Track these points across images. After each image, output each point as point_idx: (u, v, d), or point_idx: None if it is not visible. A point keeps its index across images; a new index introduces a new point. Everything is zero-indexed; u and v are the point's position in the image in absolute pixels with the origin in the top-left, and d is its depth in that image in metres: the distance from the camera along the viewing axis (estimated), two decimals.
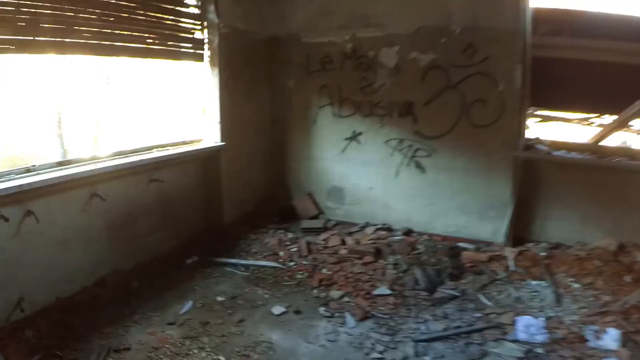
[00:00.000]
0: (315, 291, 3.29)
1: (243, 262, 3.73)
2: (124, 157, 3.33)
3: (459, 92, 4.02)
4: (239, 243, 4.11)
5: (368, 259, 3.74)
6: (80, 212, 3.01)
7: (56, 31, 2.78)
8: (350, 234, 4.40)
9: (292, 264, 3.75)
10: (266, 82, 4.88)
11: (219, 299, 3.16)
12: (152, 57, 3.71)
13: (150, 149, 3.65)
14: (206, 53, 4.10)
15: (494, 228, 4.06)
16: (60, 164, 2.93)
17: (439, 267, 3.59)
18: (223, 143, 4.20)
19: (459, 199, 4.20)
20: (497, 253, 3.80)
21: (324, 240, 4.22)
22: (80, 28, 2.95)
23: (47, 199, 2.76)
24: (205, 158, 4.21)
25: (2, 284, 2.56)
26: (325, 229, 4.53)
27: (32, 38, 2.63)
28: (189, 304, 3.04)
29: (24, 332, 2.49)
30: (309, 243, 4.09)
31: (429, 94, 4.15)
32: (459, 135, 4.10)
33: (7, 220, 2.49)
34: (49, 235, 2.80)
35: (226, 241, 4.12)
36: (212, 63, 4.12)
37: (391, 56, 4.27)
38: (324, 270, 3.60)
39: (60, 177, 2.73)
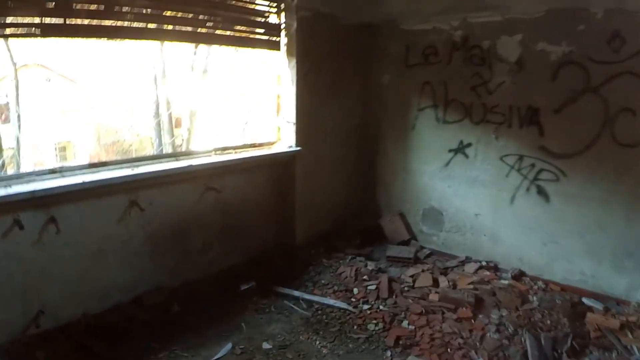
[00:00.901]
0: (389, 353, 3.31)
1: (307, 296, 4.04)
2: (175, 161, 4.08)
3: (601, 97, 3.92)
4: (307, 270, 4.55)
5: (464, 313, 3.80)
6: (118, 220, 3.53)
7: (93, 13, 3.08)
8: (445, 270, 4.62)
9: (366, 307, 3.92)
10: (355, 77, 5.39)
11: (265, 346, 3.32)
12: (216, 44, 4.43)
13: (209, 152, 4.41)
14: (283, 41, 4.72)
15: (630, 282, 3.95)
16: (93, 165, 3.48)
17: (556, 334, 3.47)
18: (298, 148, 4.83)
19: (589, 239, 4.15)
20: (633, 319, 3.68)
21: (411, 276, 4.48)
22: (123, 9, 3.27)
23: (77, 205, 3.24)
24: (276, 164, 4.87)
25: (21, 295, 3.02)
26: (415, 260, 4.83)
27: (62, 21, 3.01)
28: (227, 347, 3.28)
29: (36, 352, 2.85)
30: (391, 281, 4.35)
31: (561, 98, 4.14)
32: (598, 155, 4.02)
33: (21, 227, 2.93)
34: (78, 244, 3.28)
35: (293, 265, 4.61)
36: (288, 53, 4.68)
37: (512, 47, 4.35)
38: (405, 323, 3.70)
39: (90, 182, 3.20)
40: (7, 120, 26.03)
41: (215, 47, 13.53)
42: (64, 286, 3.28)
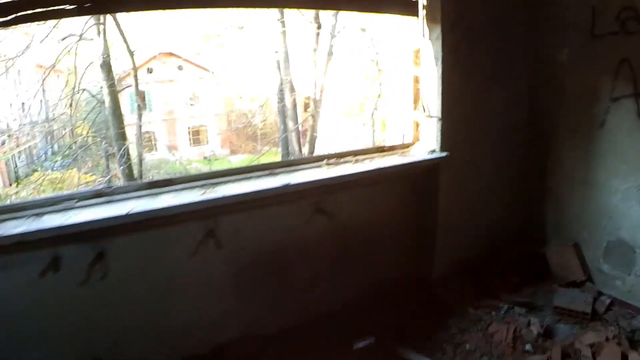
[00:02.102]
0: None
1: None
2: (270, 175, 3.19)
3: None
4: (447, 322, 3.48)
5: None
6: (191, 254, 2.92)
7: None
8: (633, 334, 3.25)
9: None
10: (521, 53, 4.00)
11: None
12: (338, 8, 3.48)
13: (319, 159, 3.43)
14: (422, 1, 3.53)
15: None
16: (153, 185, 2.89)
17: None
18: (444, 154, 3.63)
19: None
20: None
21: (590, 346, 3.14)
22: None
23: (132, 237, 2.72)
24: (412, 176, 3.76)
25: (71, 342, 2.68)
26: (593, 315, 3.48)
27: None
28: None
29: None
30: (566, 356, 3.07)
31: None
32: None
33: (56, 269, 2.47)
34: (136, 284, 2.81)
35: (427, 310, 3.61)
36: (430, 18, 3.51)
37: None
38: None
39: (143, 212, 2.53)
40: (145, 108, 28.05)
41: (340, 26, 13.14)
42: (122, 334, 2.80)
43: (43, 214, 2.51)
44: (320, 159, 3.47)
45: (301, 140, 14.65)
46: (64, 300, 2.59)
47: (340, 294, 3.60)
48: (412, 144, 3.82)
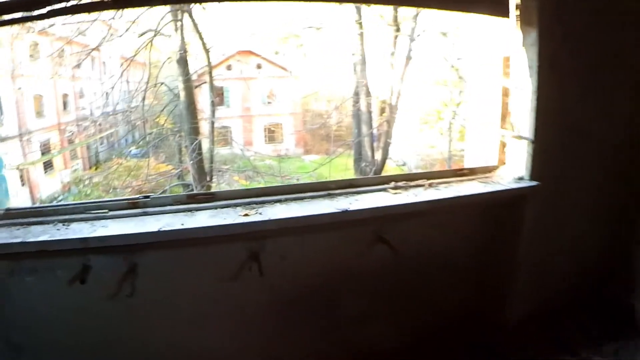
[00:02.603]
0: None
1: None
2: (328, 197, 2.74)
3: None
4: None
5: None
6: (230, 278, 2.57)
7: None
8: None
9: None
10: (629, 57, 3.23)
11: None
12: (418, 5, 2.98)
13: (386, 180, 2.94)
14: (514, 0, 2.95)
15: None
16: (192, 198, 2.56)
17: None
18: (534, 183, 3.01)
19: None
20: None
21: None
22: None
23: (167, 254, 2.44)
24: (492, 206, 3.16)
25: (88, 354, 2.49)
26: None
27: None
28: None
29: None
30: None
31: None
32: None
33: (82, 281, 2.21)
34: (168, 303, 2.54)
35: None
36: (523, 19, 2.92)
37: None
38: None
39: (182, 230, 2.25)
40: (221, 104, 28.63)
41: (419, 29, 12.56)
42: (143, 355, 2.59)
43: (72, 221, 2.32)
44: (386, 180, 2.98)
45: (375, 145, 14.20)
46: (90, 312, 2.40)
47: (395, 336, 3.12)
48: (496, 167, 3.25)
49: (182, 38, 10.91)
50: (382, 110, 19.53)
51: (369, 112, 13.19)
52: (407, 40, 12.31)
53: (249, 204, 2.55)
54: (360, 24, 12.13)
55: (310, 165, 22.26)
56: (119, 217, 2.37)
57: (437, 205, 2.76)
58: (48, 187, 23.61)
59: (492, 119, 3.24)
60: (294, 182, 20.33)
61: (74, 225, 2.26)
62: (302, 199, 2.68)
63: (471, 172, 3.18)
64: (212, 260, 2.53)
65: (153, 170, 19.70)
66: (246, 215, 2.38)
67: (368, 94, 12.97)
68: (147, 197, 2.48)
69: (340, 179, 2.88)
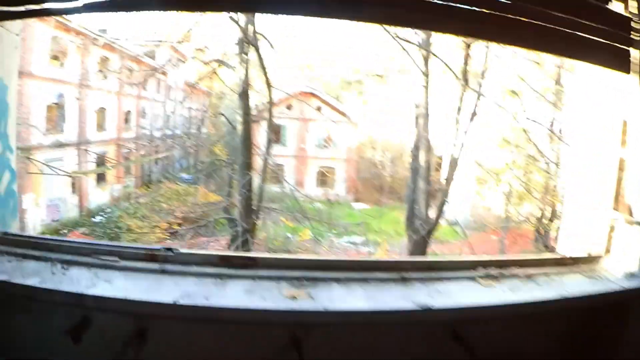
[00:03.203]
0: None
1: None
2: (400, 281, 2.13)
3: None
4: None
5: None
6: None
7: None
8: None
9: None
10: None
11: None
12: (518, 44, 2.52)
13: (472, 265, 2.34)
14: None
15: None
16: (224, 261, 2.04)
17: None
18: None
19: None
20: None
21: None
22: None
23: (190, 325, 1.94)
24: (595, 306, 2.50)
25: None
26: None
27: None
28: None
29: None
30: None
31: None
32: None
33: (77, 340, 1.76)
34: None
35: None
36: None
37: None
38: None
39: (203, 309, 1.78)
40: (278, 141, 28.87)
41: (487, 86, 12.08)
42: None
43: (73, 264, 1.91)
44: (473, 265, 2.34)
45: (430, 202, 13.59)
46: None
47: None
48: (600, 257, 2.62)
49: (247, 71, 10.85)
50: (439, 166, 18.96)
51: (428, 167, 12.59)
52: (474, 96, 11.81)
53: (297, 278, 2.02)
54: (427, 75, 11.73)
55: (359, 214, 21.81)
56: (130, 271, 1.93)
57: (540, 309, 2.20)
58: (97, 198, 24.18)
59: (597, 197, 2.65)
60: (342, 230, 19.81)
61: (74, 270, 1.85)
62: (367, 280, 2.09)
63: (574, 262, 2.56)
64: (241, 340, 2.00)
65: (202, 198, 19.83)
66: (293, 297, 1.86)
67: (428, 148, 12.41)
68: (170, 250, 2.01)
69: (417, 259, 2.24)
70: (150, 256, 2.00)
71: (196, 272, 1.96)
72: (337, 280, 2.04)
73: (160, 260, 1.99)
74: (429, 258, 1.87)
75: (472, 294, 2.09)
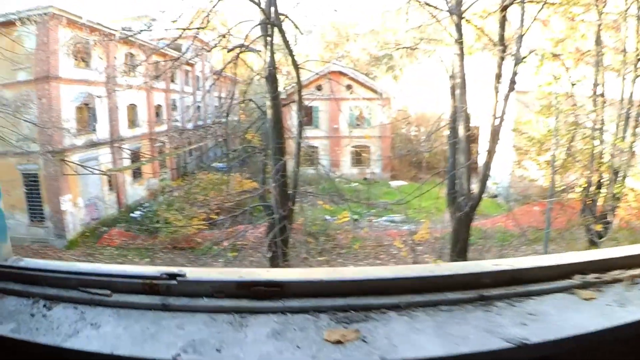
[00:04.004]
0: None
1: None
2: (476, 303, 1.40)
3: None
4: None
5: None
6: None
7: None
8: None
9: None
10: None
11: None
12: None
13: (561, 273, 1.56)
14: None
15: None
16: (242, 290, 1.36)
17: None
18: None
19: None
20: None
21: None
22: None
23: None
24: None
25: None
26: None
27: None
28: None
29: None
30: None
31: None
32: None
33: None
34: None
35: None
36: None
37: None
38: None
39: None
40: (310, 123, 28.66)
41: (525, 50, 11.43)
42: None
43: (59, 300, 1.52)
44: (567, 272, 1.69)
45: (471, 175, 13.07)
46: None
47: None
48: None
49: (272, 53, 10.57)
50: (475, 138, 18.30)
51: (467, 141, 12.02)
52: (512, 62, 11.18)
53: (342, 308, 1.45)
54: (461, 43, 11.13)
55: (397, 192, 21.41)
56: (123, 307, 1.50)
57: None
58: (135, 194, 24.59)
59: None
60: (380, 209, 19.32)
61: (58, 309, 1.39)
62: (436, 305, 1.51)
63: None
64: None
65: (237, 185, 19.83)
66: (338, 341, 1.29)
67: (467, 120, 11.82)
68: (174, 277, 1.47)
69: (496, 268, 1.51)
70: (149, 287, 1.51)
71: (207, 306, 1.50)
72: (397, 307, 1.50)
73: (162, 292, 1.55)
74: (510, 266, 1.33)
75: (573, 315, 1.55)
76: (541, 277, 1.68)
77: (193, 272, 1.58)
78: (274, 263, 10.32)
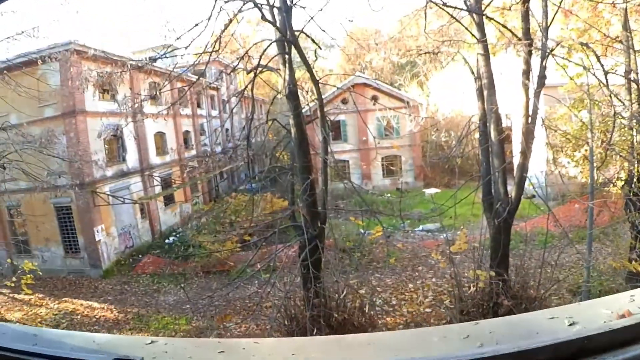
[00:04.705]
0: None
1: None
2: None
3: None
4: None
5: None
6: None
7: None
8: None
9: None
10: None
11: None
12: None
13: None
14: None
15: None
16: None
17: None
18: None
19: None
20: None
21: None
22: None
23: None
24: None
25: None
26: None
27: None
28: None
29: None
30: None
31: None
32: None
33: None
34: None
35: None
36: None
37: None
38: None
39: None
40: (338, 138, 28.52)
41: (552, 43, 10.97)
42: None
43: None
44: None
45: (507, 178, 12.57)
46: None
47: None
48: None
49: (291, 71, 10.43)
50: (508, 138, 17.68)
51: (500, 143, 11.54)
52: (540, 56, 10.71)
53: None
54: (485, 41, 10.71)
55: (431, 200, 21.00)
56: None
57: None
58: (168, 220, 24.82)
59: None
60: (416, 220, 18.83)
61: None
62: None
63: None
64: None
65: (268, 205, 19.77)
66: None
67: (498, 121, 11.37)
68: None
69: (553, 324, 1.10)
70: None
71: None
72: None
73: None
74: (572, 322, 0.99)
75: None
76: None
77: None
78: (306, 286, 10.11)
